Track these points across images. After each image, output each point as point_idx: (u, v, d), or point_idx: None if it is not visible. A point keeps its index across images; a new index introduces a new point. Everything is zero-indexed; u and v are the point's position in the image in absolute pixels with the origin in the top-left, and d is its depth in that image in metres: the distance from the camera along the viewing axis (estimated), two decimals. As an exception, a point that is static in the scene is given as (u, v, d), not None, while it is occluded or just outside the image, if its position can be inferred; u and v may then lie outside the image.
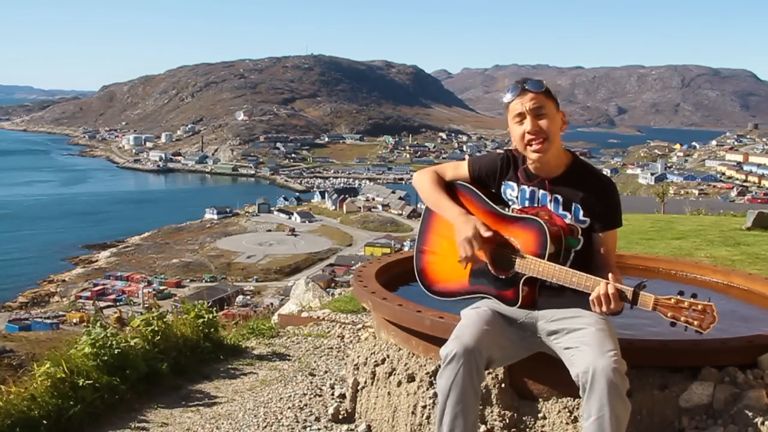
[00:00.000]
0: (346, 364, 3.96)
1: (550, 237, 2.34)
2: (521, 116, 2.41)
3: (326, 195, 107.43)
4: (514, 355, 2.51)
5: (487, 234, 2.41)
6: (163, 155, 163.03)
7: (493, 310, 2.47)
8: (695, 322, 2.08)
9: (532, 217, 2.42)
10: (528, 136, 2.40)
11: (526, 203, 2.51)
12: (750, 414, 2.45)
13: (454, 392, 2.29)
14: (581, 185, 2.44)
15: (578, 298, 2.33)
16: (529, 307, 2.45)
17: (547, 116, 2.39)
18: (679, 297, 2.11)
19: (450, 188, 2.66)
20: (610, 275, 2.23)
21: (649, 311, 2.16)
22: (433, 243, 2.72)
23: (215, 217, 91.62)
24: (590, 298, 2.24)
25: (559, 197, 2.46)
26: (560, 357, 2.36)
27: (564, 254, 2.40)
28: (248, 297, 50.71)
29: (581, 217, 2.44)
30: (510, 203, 2.56)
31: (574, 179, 2.45)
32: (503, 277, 2.45)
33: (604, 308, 2.21)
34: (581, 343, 2.27)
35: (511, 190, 2.55)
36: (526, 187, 2.51)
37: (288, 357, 4.55)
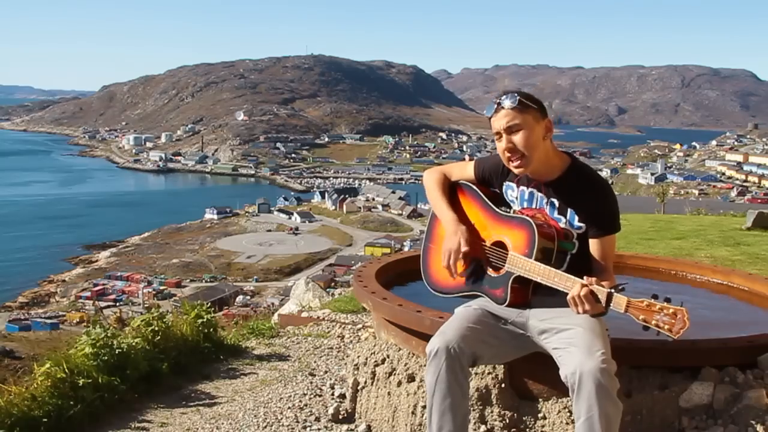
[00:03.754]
0: (346, 364, 3.96)
1: (539, 237, 2.36)
2: (498, 134, 2.43)
3: (326, 195, 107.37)
4: (505, 354, 2.53)
5: (464, 249, 2.49)
6: (163, 155, 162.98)
7: (485, 309, 2.50)
8: (666, 327, 2.05)
9: (523, 217, 2.45)
10: (506, 154, 2.42)
11: (525, 204, 2.53)
12: (750, 414, 2.45)
13: (439, 388, 2.31)
14: (577, 190, 2.44)
15: None
16: (520, 306, 2.46)
17: (522, 131, 2.38)
18: (651, 300, 2.08)
19: (454, 188, 2.73)
20: (586, 278, 2.23)
21: (623, 313, 2.15)
22: (436, 239, 2.76)
23: (215, 217, 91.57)
24: (567, 298, 2.26)
25: (555, 201, 2.46)
26: (552, 356, 2.37)
27: (559, 257, 2.41)
28: (248, 297, 50.72)
29: (576, 223, 2.44)
30: (511, 204, 2.59)
31: (571, 183, 2.45)
32: (495, 275, 2.48)
33: (579, 309, 2.23)
34: (569, 344, 2.28)
35: (511, 191, 2.58)
36: (525, 188, 2.53)
37: (288, 357, 4.55)
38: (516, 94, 2.41)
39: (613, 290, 2.17)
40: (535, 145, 2.39)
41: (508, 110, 2.39)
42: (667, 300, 2.08)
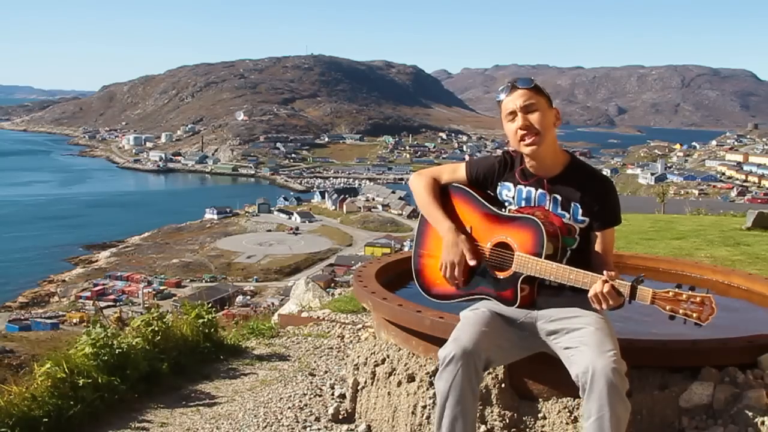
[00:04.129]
0: (346, 364, 3.96)
1: (547, 235, 2.36)
2: (513, 114, 2.44)
3: (326, 195, 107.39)
4: (513, 356, 2.52)
5: (472, 263, 2.47)
6: (163, 155, 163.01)
7: (492, 311, 2.47)
8: (694, 314, 2.09)
9: (528, 216, 2.43)
10: (520, 132, 2.42)
11: (523, 203, 2.52)
12: (750, 414, 2.45)
13: (453, 394, 2.29)
14: (579, 184, 2.45)
15: (578, 297, 2.33)
16: (528, 307, 2.45)
17: (537, 111, 2.41)
18: (677, 290, 2.12)
19: (445, 191, 2.68)
20: (606, 272, 2.23)
21: (648, 305, 2.16)
22: (430, 246, 2.71)
23: (215, 217, 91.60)
24: (588, 295, 2.25)
25: (558, 197, 2.46)
26: (560, 357, 2.36)
27: (561, 253, 2.41)
28: (248, 297, 50.71)
29: (580, 217, 2.44)
30: (506, 204, 2.56)
31: (573, 178, 2.46)
32: (501, 277, 2.46)
33: (604, 306, 2.22)
34: (580, 343, 2.27)
35: (507, 191, 2.56)
36: (523, 187, 2.52)
37: (288, 357, 4.55)
38: (531, 78, 2.46)
39: (634, 283, 2.18)
40: (548, 126, 2.43)
41: (525, 90, 2.43)
42: (692, 289, 2.11)
